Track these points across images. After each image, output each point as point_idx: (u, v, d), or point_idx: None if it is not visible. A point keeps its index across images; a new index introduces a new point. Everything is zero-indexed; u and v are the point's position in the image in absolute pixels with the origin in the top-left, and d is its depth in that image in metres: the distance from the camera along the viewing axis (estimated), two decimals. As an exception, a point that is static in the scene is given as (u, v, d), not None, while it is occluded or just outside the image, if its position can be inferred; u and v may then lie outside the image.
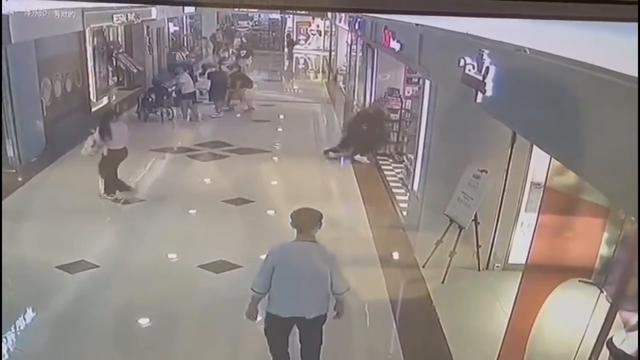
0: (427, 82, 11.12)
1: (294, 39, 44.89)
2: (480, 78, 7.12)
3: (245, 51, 36.71)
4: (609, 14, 2.95)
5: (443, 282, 9.26)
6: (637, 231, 5.06)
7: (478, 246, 9.44)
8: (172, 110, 20.60)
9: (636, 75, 3.77)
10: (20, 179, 12.96)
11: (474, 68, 7.39)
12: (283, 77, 34.83)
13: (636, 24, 2.92)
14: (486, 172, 9.14)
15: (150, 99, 20.48)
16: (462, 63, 7.65)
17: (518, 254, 8.96)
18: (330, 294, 6.60)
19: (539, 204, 6.84)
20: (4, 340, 7.57)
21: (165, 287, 8.36)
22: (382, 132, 16.53)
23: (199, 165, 15.66)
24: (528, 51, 5.93)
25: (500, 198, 9.22)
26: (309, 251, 6.51)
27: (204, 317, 8.15)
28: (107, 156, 12.00)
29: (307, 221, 6.57)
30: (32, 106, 15.20)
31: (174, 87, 21.14)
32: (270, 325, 6.75)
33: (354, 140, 16.50)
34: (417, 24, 10.97)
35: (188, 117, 20.53)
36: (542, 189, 7.08)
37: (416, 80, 16.01)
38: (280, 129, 20.58)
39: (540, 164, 8.27)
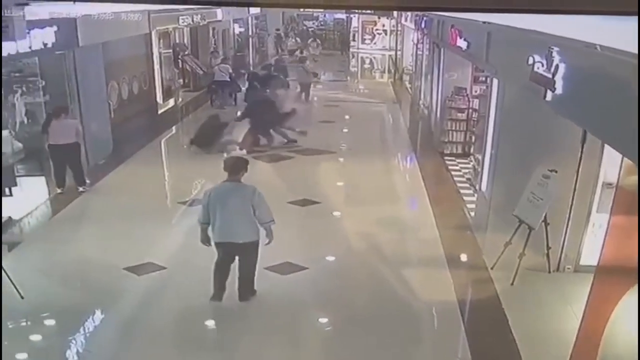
0: (495, 81, 10.97)
1: (348, 39, 44.81)
2: (550, 76, 7.01)
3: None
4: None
5: (512, 283, 9.11)
6: None
7: (548, 247, 9.24)
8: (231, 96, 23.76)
9: None
10: (88, 181, 13.20)
11: (543, 66, 7.28)
12: (348, 77, 34.79)
13: None
14: (556, 172, 8.94)
15: (214, 86, 23.66)
16: (530, 61, 7.55)
17: (590, 256, 8.75)
18: (256, 223, 8.16)
19: (610, 204, 6.64)
20: (73, 342, 7.72)
21: (231, 289, 8.44)
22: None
23: (264, 166, 15.66)
24: (599, 48, 5.79)
25: (570, 198, 9.00)
26: (235, 189, 8.19)
27: (272, 318, 8.19)
28: (49, 151, 12.59)
29: (234, 165, 8.30)
30: (100, 109, 15.45)
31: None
32: (217, 250, 8.32)
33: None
34: (484, 22, 10.85)
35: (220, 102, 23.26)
36: (614, 189, 6.89)
37: (484, 79, 15.80)
38: (345, 130, 20.55)
39: (611, 163, 8.06)
